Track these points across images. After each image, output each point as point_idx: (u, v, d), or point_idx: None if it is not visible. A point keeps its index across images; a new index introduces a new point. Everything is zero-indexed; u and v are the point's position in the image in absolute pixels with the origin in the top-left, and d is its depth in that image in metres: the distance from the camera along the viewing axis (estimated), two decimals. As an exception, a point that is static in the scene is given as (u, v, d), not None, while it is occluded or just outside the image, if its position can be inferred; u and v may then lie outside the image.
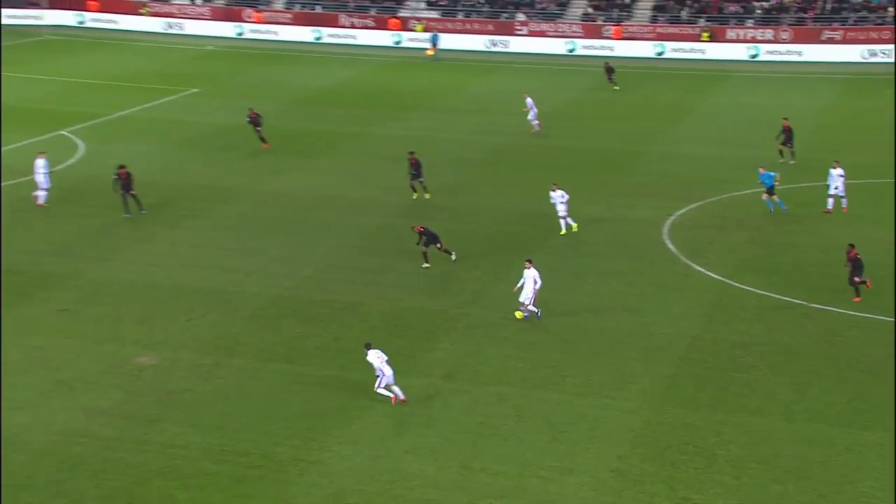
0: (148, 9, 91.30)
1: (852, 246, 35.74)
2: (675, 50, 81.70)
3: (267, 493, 25.61)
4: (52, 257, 40.31)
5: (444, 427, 28.59)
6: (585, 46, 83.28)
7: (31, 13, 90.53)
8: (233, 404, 29.81)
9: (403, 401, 29.15)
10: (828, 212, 44.55)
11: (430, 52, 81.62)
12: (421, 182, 46.22)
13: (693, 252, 40.42)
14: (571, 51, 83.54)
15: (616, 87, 70.04)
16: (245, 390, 30.63)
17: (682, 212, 45.30)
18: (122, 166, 44.62)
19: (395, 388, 29.25)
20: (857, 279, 35.57)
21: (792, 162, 51.40)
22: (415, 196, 46.19)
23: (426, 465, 26.78)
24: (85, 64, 76.87)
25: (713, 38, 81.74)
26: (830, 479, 26.16)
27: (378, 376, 29.11)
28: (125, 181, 43.93)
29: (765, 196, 44.44)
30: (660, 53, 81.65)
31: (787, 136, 52.02)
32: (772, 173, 44.47)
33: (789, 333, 34.03)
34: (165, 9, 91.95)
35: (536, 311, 34.52)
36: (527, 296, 34.19)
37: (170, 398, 30.00)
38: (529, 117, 58.58)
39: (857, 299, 35.65)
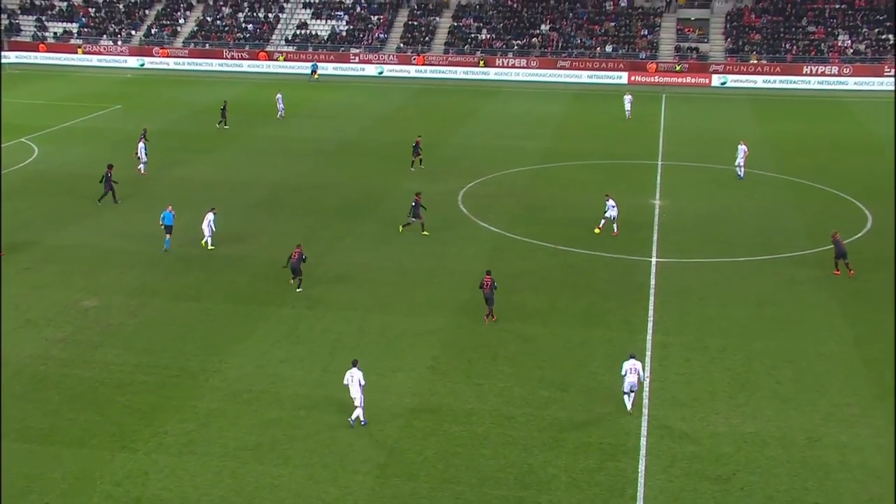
0: (82, 49, 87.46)
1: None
2: (463, 72, 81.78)
3: (183, 395, 24.79)
4: (17, 231, 37.71)
5: (308, 342, 28.06)
6: (393, 70, 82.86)
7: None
8: (156, 332, 28.65)
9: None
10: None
11: (315, 76, 79.84)
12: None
13: (479, 213, 40.65)
14: (381, 73, 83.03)
15: (226, 127, 57.90)
16: (164, 322, 29.44)
17: (470, 185, 45.46)
18: (110, 166, 42.33)
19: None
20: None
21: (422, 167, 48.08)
22: None
23: (295, 369, 26.29)
24: (37, 90, 72.43)
25: (487, 65, 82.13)
26: (572, 363, 26.78)
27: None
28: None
29: None
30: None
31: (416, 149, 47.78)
32: None
33: (544, 266, 34.58)
34: (92, 48, 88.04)
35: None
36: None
37: (109, 329, 28.68)
38: (739, 163, 47.06)
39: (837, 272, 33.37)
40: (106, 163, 43.39)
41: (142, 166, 46.89)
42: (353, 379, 23.13)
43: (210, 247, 35.81)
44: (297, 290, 31.61)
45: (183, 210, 38.32)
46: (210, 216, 35.98)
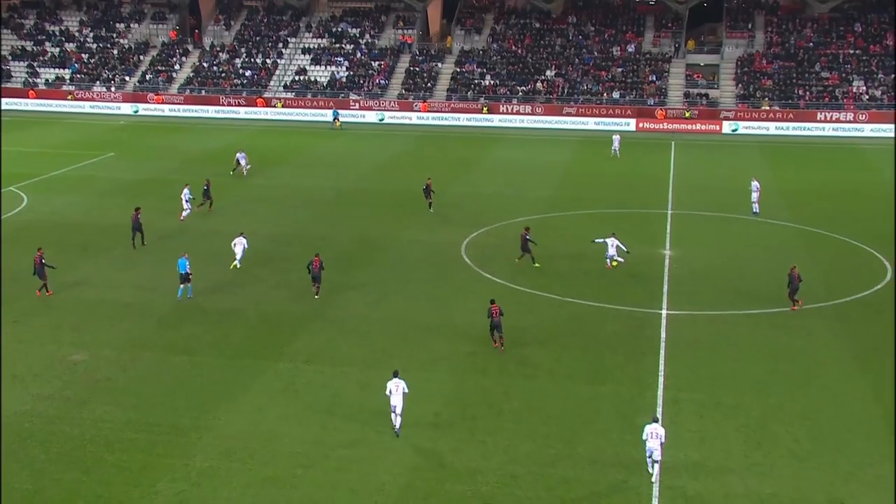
0: (73, 95, 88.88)
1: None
2: (466, 119, 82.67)
3: (174, 453, 24.63)
4: (5, 283, 37.77)
5: (303, 398, 27.99)
6: (395, 117, 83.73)
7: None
8: (147, 387, 28.59)
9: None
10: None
11: (337, 123, 79.78)
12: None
13: (482, 263, 40.76)
14: (381, 119, 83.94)
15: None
16: (155, 376, 29.40)
17: (473, 235, 45.67)
18: (137, 208, 43.41)
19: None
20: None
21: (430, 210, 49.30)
22: None
23: (292, 426, 26.14)
24: (27, 138, 73.29)
25: (490, 111, 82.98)
26: (579, 420, 26.65)
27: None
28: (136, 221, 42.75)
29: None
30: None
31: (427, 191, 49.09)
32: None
33: (549, 318, 34.59)
34: (84, 95, 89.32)
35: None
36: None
37: (97, 385, 28.61)
38: (753, 199, 49.70)
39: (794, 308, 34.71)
40: (133, 206, 44.19)
41: (185, 213, 47.58)
42: (398, 388, 24.98)
43: (236, 264, 39.20)
44: (315, 296, 35.71)
45: (173, 261, 38.49)
46: (243, 240, 39.39)
